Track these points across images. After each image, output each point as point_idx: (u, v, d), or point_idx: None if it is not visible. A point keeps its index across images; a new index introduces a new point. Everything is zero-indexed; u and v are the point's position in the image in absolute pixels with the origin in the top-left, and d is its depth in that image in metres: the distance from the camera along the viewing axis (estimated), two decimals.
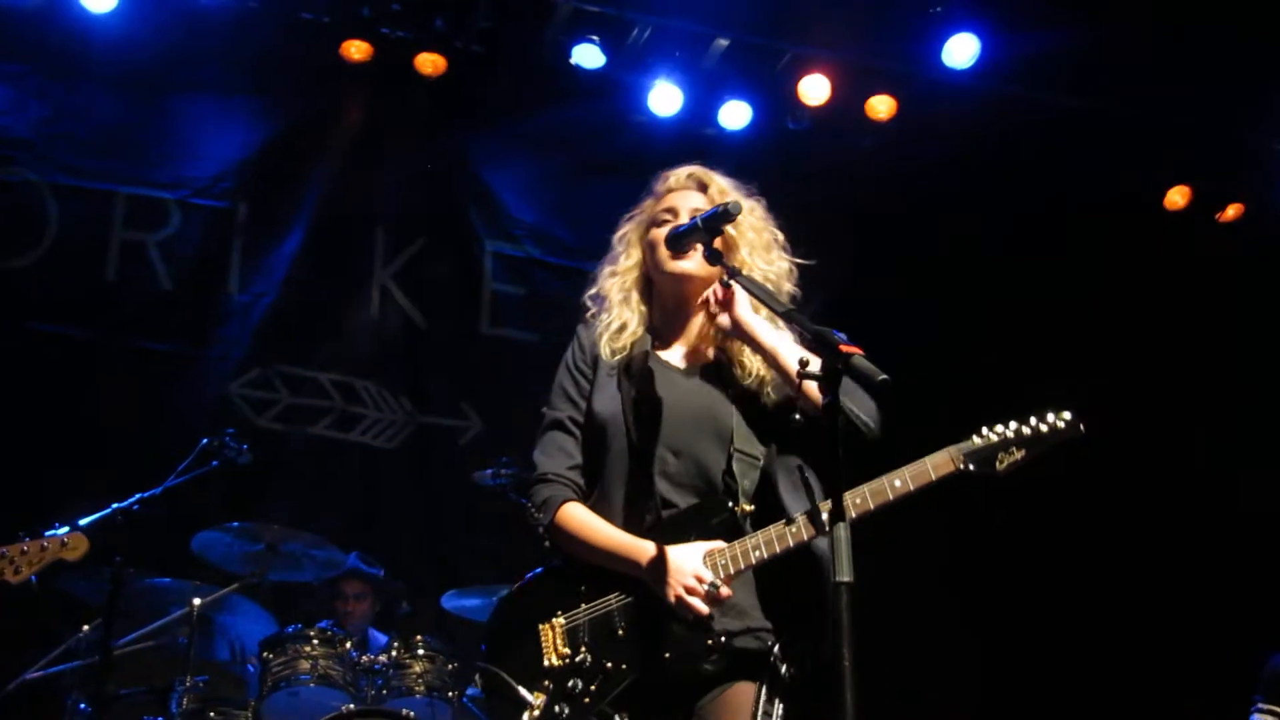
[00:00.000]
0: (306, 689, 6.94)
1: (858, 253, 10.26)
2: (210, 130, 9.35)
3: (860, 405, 3.80)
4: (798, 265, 4.22)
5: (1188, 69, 9.36)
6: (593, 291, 4.30)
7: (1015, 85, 9.77)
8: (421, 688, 7.04)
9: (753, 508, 3.89)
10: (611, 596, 3.88)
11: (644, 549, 3.81)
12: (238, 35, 9.04)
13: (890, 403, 3.24)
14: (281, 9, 9.00)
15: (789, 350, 3.82)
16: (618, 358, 4.10)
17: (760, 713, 3.82)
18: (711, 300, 3.99)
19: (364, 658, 7.20)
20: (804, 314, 3.50)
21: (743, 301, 3.90)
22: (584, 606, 3.90)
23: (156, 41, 8.96)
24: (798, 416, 3.62)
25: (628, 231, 4.30)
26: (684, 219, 4.06)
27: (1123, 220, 10.35)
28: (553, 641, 3.87)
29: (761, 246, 4.13)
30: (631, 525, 3.90)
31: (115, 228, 9.00)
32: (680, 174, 4.24)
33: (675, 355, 4.15)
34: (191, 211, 9.19)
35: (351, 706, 6.76)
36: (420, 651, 7.17)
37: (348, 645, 7.16)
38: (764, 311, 3.88)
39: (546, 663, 3.85)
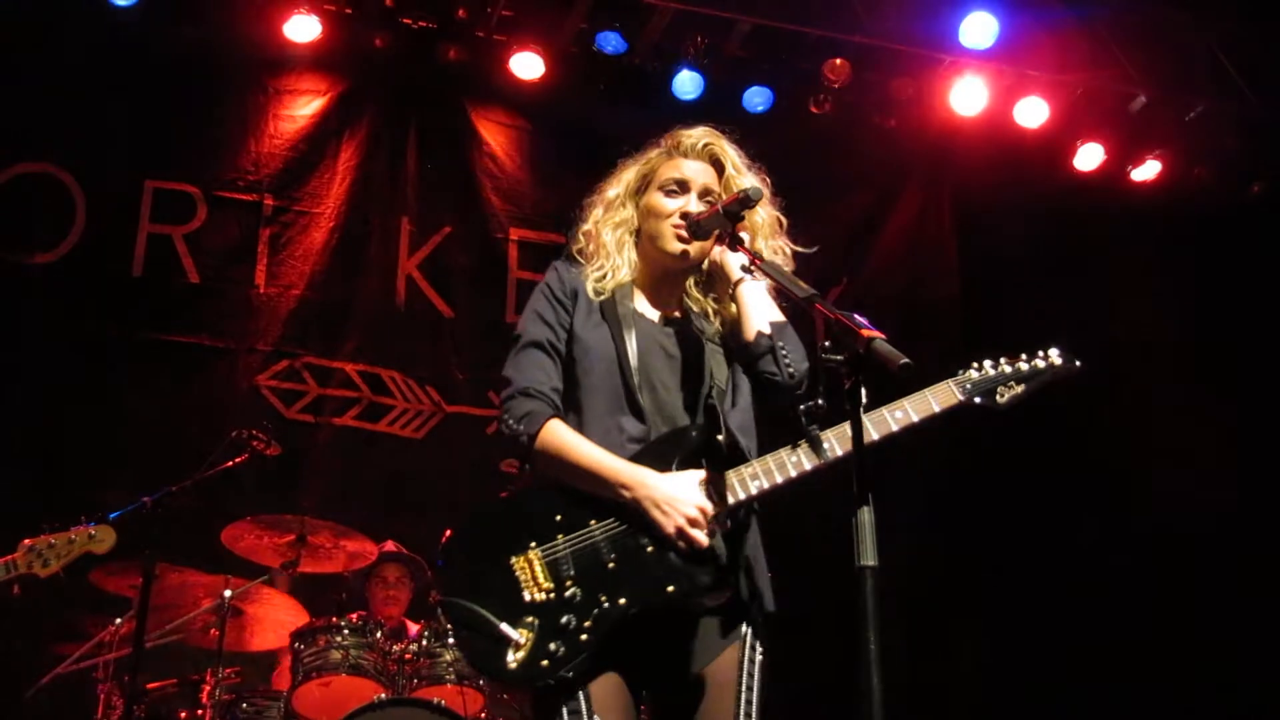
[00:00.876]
0: (338, 679, 6.98)
1: (884, 234, 10.36)
2: (236, 123, 9.38)
3: (792, 354, 3.83)
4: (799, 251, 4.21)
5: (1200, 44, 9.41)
6: (586, 228, 4.24)
7: (1033, 65, 9.79)
8: (452, 676, 7.04)
9: (732, 440, 3.83)
10: (595, 526, 3.72)
11: (638, 475, 3.69)
12: (261, 26, 9.09)
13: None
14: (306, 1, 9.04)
15: (760, 312, 3.89)
16: (601, 299, 4.04)
17: (746, 659, 3.79)
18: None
19: (395, 647, 7.22)
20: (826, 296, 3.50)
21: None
22: (562, 538, 3.70)
23: (181, 33, 9.01)
24: (819, 402, 3.59)
25: (627, 179, 4.23)
26: (694, 196, 4.05)
27: (1139, 197, 10.40)
28: (532, 574, 3.66)
29: (770, 228, 4.13)
30: (612, 450, 3.78)
31: (142, 221, 9.02)
32: (696, 141, 4.14)
33: (655, 306, 4.14)
34: (218, 204, 9.21)
35: (383, 696, 6.78)
36: (451, 640, 7.16)
37: (378, 635, 7.19)
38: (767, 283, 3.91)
39: (528, 598, 3.64)
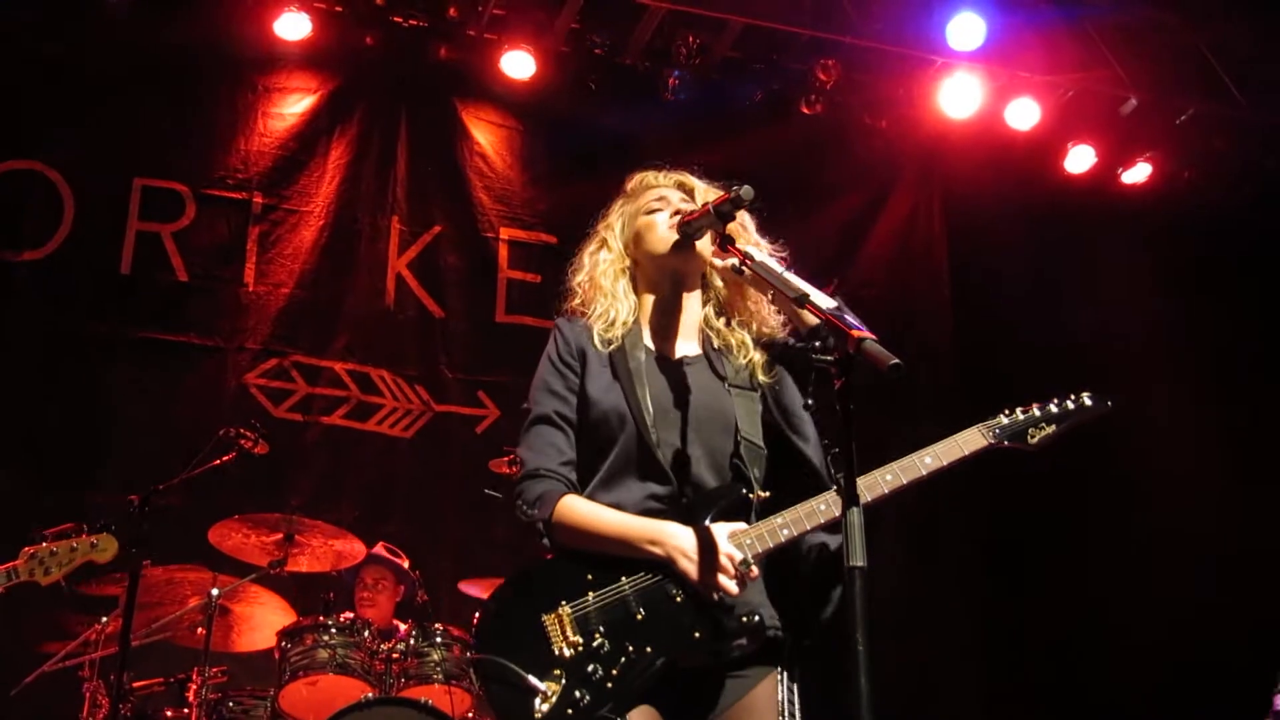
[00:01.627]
0: (325, 678, 6.96)
1: (874, 236, 10.37)
2: (225, 121, 9.36)
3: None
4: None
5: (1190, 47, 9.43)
6: (580, 280, 4.20)
7: (1024, 66, 9.81)
8: (440, 676, 7.04)
9: (767, 495, 3.81)
10: (625, 581, 3.71)
11: (664, 530, 3.69)
12: (251, 26, 9.08)
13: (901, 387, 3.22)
14: None
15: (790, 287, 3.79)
16: (611, 349, 3.99)
17: (786, 702, 3.77)
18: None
19: (382, 646, 7.21)
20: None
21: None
22: (591, 595, 3.71)
23: (171, 30, 9.00)
24: (810, 401, 3.57)
25: (604, 232, 4.22)
26: (678, 204, 4.04)
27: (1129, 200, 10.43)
28: (561, 631, 3.67)
29: (753, 228, 4.07)
30: (641, 514, 3.77)
31: (131, 219, 9.00)
32: (658, 173, 4.20)
33: (668, 346, 4.07)
34: (207, 202, 9.19)
35: (370, 695, 6.76)
36: (438, 640, 7.17)
37: (365, 634, 7.17)
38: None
39: (557, 652, 3.64)
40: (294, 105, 9.52)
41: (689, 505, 3.79)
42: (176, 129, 9.23)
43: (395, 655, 7.18)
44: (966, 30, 9.29)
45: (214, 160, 9.26)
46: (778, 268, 3.76)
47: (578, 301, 4.17)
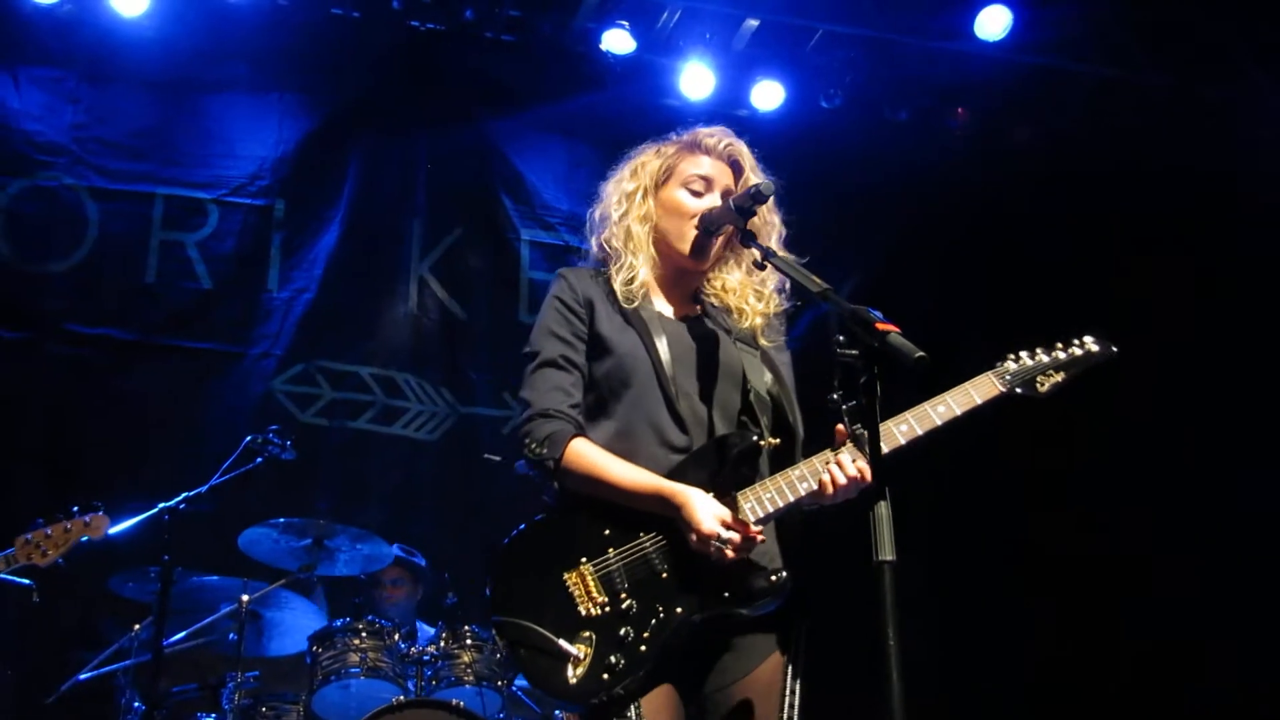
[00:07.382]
0: (357, 681, 6.99)
1: (895, 229, 10.31)
2: (245, 128, 9.40)
3: None
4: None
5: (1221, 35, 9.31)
6: (611, 219, 4.13)
7: (1050, 56, 9.72)
8: (470, 677, 7.04)
9: (777, 441, 3.80)
10: (645, 538, 3.69)
11: (671, 486, 3.66)
12: (269, 32, 9.11)
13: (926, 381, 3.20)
14: (312, 4, 9.11)
15: None
16: (626, 303, 3.97)
17: (787, 690, 3.74)
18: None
19: (412, 649, 7.22)
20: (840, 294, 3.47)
21: None
22: (613, 551, 3.69)
23: (188, 42, 9.07)
24: (834, 397, 3.56)
25: (650, 169, 4.14)
26: (717, 195, 4.02)
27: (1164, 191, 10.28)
28: (585, 590, 3.64)
29: (776, 233, 4.08)
30: (652, 462, 3.76)
31: (154, 229, 9.03)
32: (718, 141, 4.10)
33: (675, 302, 4.11)
34: (229, 210, 9.22)
35: (402, 698, 6.78)
36: (468, 641, 7.17)
37: (396, 637, 7.19)
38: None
39: (584, 612, 3.62)
40: (315, 111, 9.53)
41: (703, 452, 3.78)
42: (197, 137, 9.26)
43: (426, 658, 7.20)
44: (993, 21, 9.23)
45: (235, 168, 9.29)
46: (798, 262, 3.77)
47: (604, 239, 4.14)
